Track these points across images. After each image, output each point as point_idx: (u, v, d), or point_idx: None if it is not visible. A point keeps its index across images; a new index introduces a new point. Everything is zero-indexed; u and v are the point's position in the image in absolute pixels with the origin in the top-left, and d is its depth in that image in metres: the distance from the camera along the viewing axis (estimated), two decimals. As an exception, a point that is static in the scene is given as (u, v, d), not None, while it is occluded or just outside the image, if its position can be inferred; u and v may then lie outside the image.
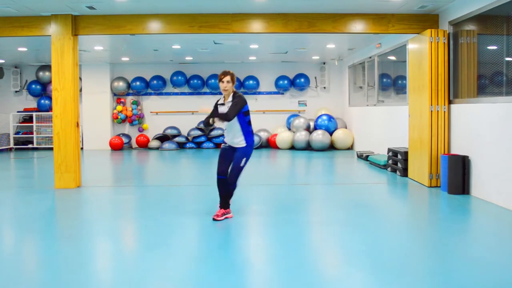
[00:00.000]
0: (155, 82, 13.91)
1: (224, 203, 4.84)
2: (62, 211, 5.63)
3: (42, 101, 13.92)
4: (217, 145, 13.82)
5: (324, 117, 12.88)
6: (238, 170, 4.72)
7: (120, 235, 4.62)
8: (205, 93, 14.22)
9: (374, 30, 7.15)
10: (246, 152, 4.74)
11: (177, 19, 7.06)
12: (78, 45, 7.14)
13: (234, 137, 4.73)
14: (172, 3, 6.50)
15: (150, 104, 14.27)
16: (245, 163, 4.74)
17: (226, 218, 4.83)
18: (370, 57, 10.71)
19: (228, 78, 4.63)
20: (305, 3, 6.55)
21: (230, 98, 4.67)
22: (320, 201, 6.02)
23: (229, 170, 4.77)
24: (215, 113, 4.69)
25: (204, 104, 4.65)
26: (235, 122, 4.66)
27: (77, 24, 7.02)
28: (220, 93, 13.36)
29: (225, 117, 4.56)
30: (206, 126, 4.75)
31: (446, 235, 4.30)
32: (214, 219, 4.74)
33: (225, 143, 4.85)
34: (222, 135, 13.75)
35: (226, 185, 4.77)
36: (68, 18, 6.89)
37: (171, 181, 8.04)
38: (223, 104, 4.73)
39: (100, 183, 7.59)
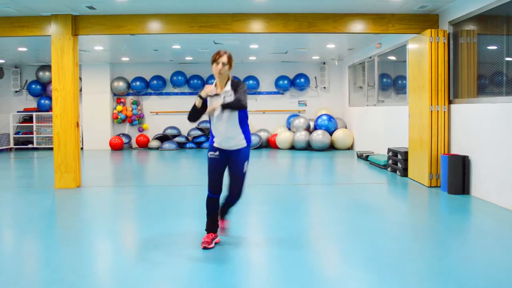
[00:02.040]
0: (155, 82, 13.91)
1: (215, 225, 3.94)
2: (62, 211, 5.63)
3: (42, 101, 13.92)
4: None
5: (324, 117, 12.88)
6: (242, 178, 3.82)
7: (120, 235, 4.61)
8: (205, 93, 14.20)
9: (374, 30, 7.15)
10: (247, 154, 3.82)
11: (177, 19, 7.06)
12: (78, 45, 7.14)
13: (230, 136, 3.72)
14: (172, 3, 6.50)
15: (150, 104, 14.27)
16: (247, 167, 3.86)
17: (215, 243, 3.94)
18: (370, 57, 10.71)
19: (224, 59, 3.64)
20: (305, 3, 6.55)
21: (228, 87, 3.69)
22: (320, 201, 6.02)
23: (230, 182, 3.85)
24: (228, 102, 3.61)
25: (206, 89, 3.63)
26: (233, 116, 3.68)
27: (77, 24, 7.02)
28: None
29: (241, 105, 3.58)
30: (197, 113, 3.70)
31: (446, 235, 4.30)
32: (205, 248, 3.80)
33: (214, 152, 3.79)
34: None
35: (217, 204, 3.92)
36: (68, 18, 6.89)
37: (171, 181, 8.04)
38: (216, 94, 3.71)
39: (100, 183, 7.59)
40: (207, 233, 3.92)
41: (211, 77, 13.82)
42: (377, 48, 10.10)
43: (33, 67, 14.00)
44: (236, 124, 3.71)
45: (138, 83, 13.88)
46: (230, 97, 3.65)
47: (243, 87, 3.68)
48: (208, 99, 3.71)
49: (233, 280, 3.17)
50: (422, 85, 6.83)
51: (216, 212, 3.94)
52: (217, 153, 3.77)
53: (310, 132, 12.79)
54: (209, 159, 3.82)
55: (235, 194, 3.86)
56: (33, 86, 13.97)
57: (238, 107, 3.59)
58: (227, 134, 3.72)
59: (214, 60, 3.67)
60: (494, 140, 5.49)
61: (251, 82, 13.89)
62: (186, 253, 3.77)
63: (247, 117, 3.81)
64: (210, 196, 3.86)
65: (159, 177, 8.69)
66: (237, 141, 3.75)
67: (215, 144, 3.79)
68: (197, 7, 6.71)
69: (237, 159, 3.78)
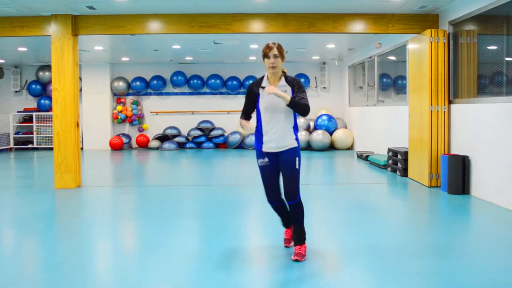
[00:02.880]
0: (155, 82, 13.91)
1: (288, 220, 3.80)
2: (62, 211, 5.63)
3: (42, 101, 13.93)
4: (217, 145, 13.82)
5: (324, 117, 12.88)
6: (296, 176, 3.53)
7: (120, 235, 4.62)
8: (205, 93, 14.22)
9: (374, 30, 7.15)
10: (298, 151, 3.55)
11: (177, 19, 7.06)
12: (78, 45, 7.14)
13: (284, 136, 3.49)
14: (172, 3, 6.50)
15: (150, 104, 14.27)
16: (300, 164, 3.56)
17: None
18: (370, 57, 10.71)
19: (275, 51, 3.41)
20: (305, 3, 6.55)
21: (282, 82, 3.49)
22: (320, 201, 6.02)
23: (284, 184, 3.56)
24: (298, 102, 3.38)
25: (245, 121, 3.49)
26: (289, 115, 3.49)
27: (77, 24, 7.02)
28: (221, 93, 12.86)
29: (307, 111, 3.39)
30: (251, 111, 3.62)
31: (446, 235, 4.30)
32: (298, 260, 3.51)
33: (263, 159, 3.56)
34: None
35: (284, 207, 3.75)
36: (68, 18, 6.89)
37: (171, 181, 8.04)
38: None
39: (100, 183, 7.59)
40: (286, 229, 3.88)
41: (211, 77, 13.83)
42: (377, 48, 10.10)
43: (33, 67, 14.00)
44: (290, 124, 3.52)
45: (138, 83, 13.88)
46: (286, 93, 3.43)
47: (300, 86, 3.48)
48: (261, 93, 3.51)
49: (233, 280, 3.17)
50: (422, 85, 6.83)
51: (286, 212, 3.76)
52: (266, 159, 3.55)
53: (310, 132, 12.79)
54: (260, 168, 3.61)
55: (290, 195, 3.53)
56: (33, 86, 13.98)
57: (303, 112, 3.38)
58: (279, 135, 3.48)
59: (265, 55, 3.46)
60: (494, 140, 5.49)
61: (251, 82, 13.84)
62: (186, 253, 3.78)
63: (296, 117, 3.64)
64: (272, 205, 3.72)
65: (159, 177, 8.69)
66: (288, 141, 3.51)
67: (264, 149, 3.54)
68: (197, 7, 6.71)
69: (287, 157, 3.50)
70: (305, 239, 3.63)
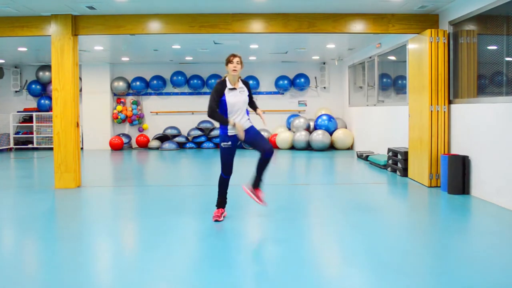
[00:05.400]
0: (155, 82, 13.91)
1: (224, 202, 4.89)
2: (62, 211, 5.63)
3: (42, 101, 13.93)
4: (217, 145, 13.82)
5: (324, 117, 12.88)
6: (264, 137, 4.71)
7: (120, 235, 4.62)
8: (205, 93, 14.22)
9: (374, 30, 7.15)
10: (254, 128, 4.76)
11: (177, 19, 7.06)
12: (78, 45, 7.14)
13: (243, 118, 4.67)
14: (172, 3, 6.50)
15: (150, 104, 14.28)
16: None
17: (224, 216, 4.85)
18: (370, 57, 10.71)
19: (238, 59, 4.64)
20: (305, 3, 6.55)
21: (240, 84, 4.67)
22: (320, 201, 6.02)
23: (259, 145, 4.61)
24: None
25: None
26: (245, 105, 4.71)
27: (77, 24, 7.02)
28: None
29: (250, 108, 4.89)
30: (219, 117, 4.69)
31: (446, 235, 4.30)
32: (217, 220, 4.75)
33: (227, 142, 4.62)
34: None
35: (228, 184, 4.86)
36: (68, 18, 6.89)
37: (171, 181, 8.04)
38: (234, 89, 4.60)
39: (100, 183, 7.59)
40: (217, 209, 4.81)
41: (211, 77, 13.85)
42: (377, 48, 10.10)
43: (33, 67, 14.01)
44: (245, 110, 4.72)
45: (138, 83, 13.88)
46: (244, 92, 4.65)
47: (250, 90, 4.78)
48: (227, 92, 4.55)
49: (233, 281, 3.17)
50: (422, 85, 6.84)
51: (226, 191, 4.83)
52: (229, 142, 4.61)
53: (310, 132, 12.80)
54: (223, 149, 4.66)
55: (269, 148, 4.57)
56: (33, 86, 13.98)
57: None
58: (240, 117, 4.62)
59: (229, 61, 4.61)
60: (494, 140, 5.49)
61: (251, 82, 13.89)
62: (185, 253, 3.78)
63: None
64: (225, 177, 4.76)
65: (159, 177, 8.68)
66: (248, 124, 4.70)
67: (229, 133, 4.60)
68: (197, 7, 6.71)
69: (251, 129, 4.66)
70: (260, 183, 4.82)
